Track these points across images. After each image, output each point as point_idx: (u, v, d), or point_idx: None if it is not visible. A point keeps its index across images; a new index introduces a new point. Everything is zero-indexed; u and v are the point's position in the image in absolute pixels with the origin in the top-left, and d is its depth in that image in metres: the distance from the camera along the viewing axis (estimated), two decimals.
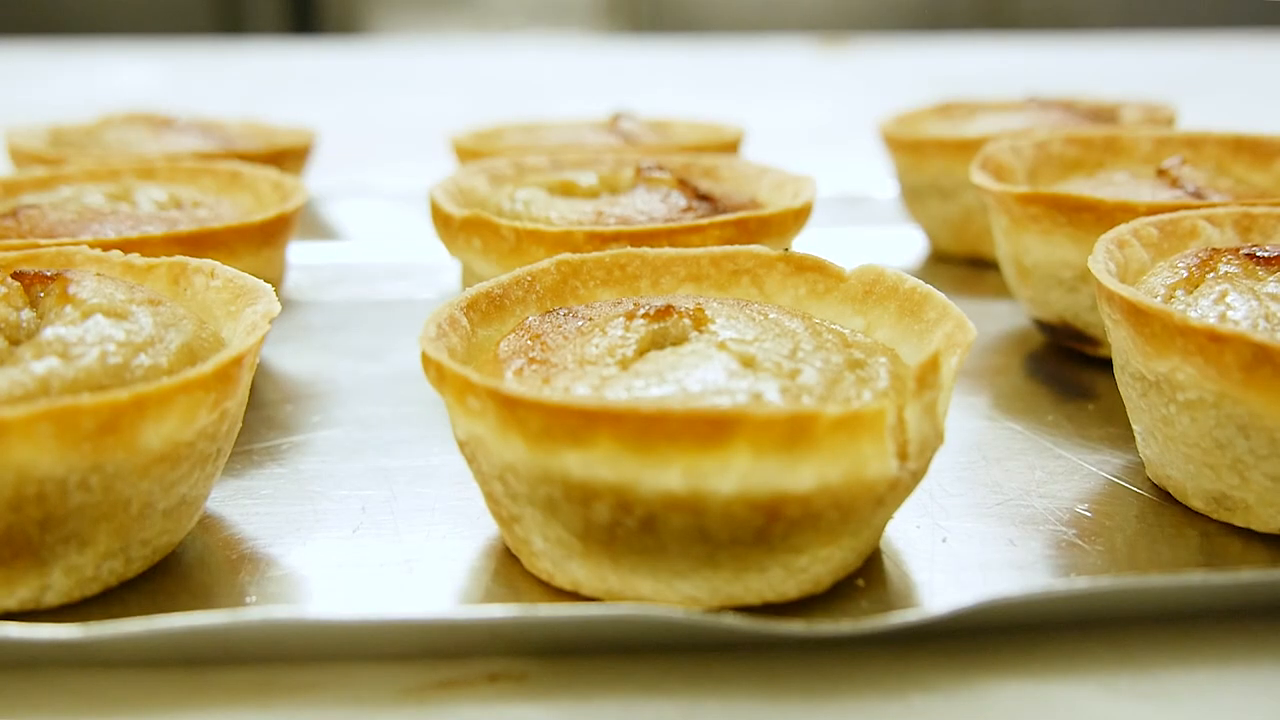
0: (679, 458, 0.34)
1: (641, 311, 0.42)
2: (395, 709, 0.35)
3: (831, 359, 0.40)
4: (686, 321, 0.42)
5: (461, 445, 0.40)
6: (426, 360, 0.39)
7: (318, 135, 0.92)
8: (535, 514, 0.37)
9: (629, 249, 0.48)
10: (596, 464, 0.35)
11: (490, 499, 0.40)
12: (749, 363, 0.39)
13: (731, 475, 0.34)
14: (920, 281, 0.45)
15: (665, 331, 0.41)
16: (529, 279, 0.46)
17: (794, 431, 0.34)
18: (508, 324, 0.44)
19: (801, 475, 0.35)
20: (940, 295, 0.44)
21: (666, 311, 0.42)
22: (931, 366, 0.38)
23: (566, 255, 0.47)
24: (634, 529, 0.36)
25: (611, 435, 0.34)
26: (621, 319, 0.42)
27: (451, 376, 0.38)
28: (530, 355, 0.40)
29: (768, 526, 0.36)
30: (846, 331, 0.43)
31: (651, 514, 0.35)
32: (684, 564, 0.36)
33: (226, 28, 2.94)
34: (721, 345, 0.40)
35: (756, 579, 0.37)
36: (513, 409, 0.35)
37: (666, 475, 0.34)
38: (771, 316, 0.43)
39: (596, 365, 0.40)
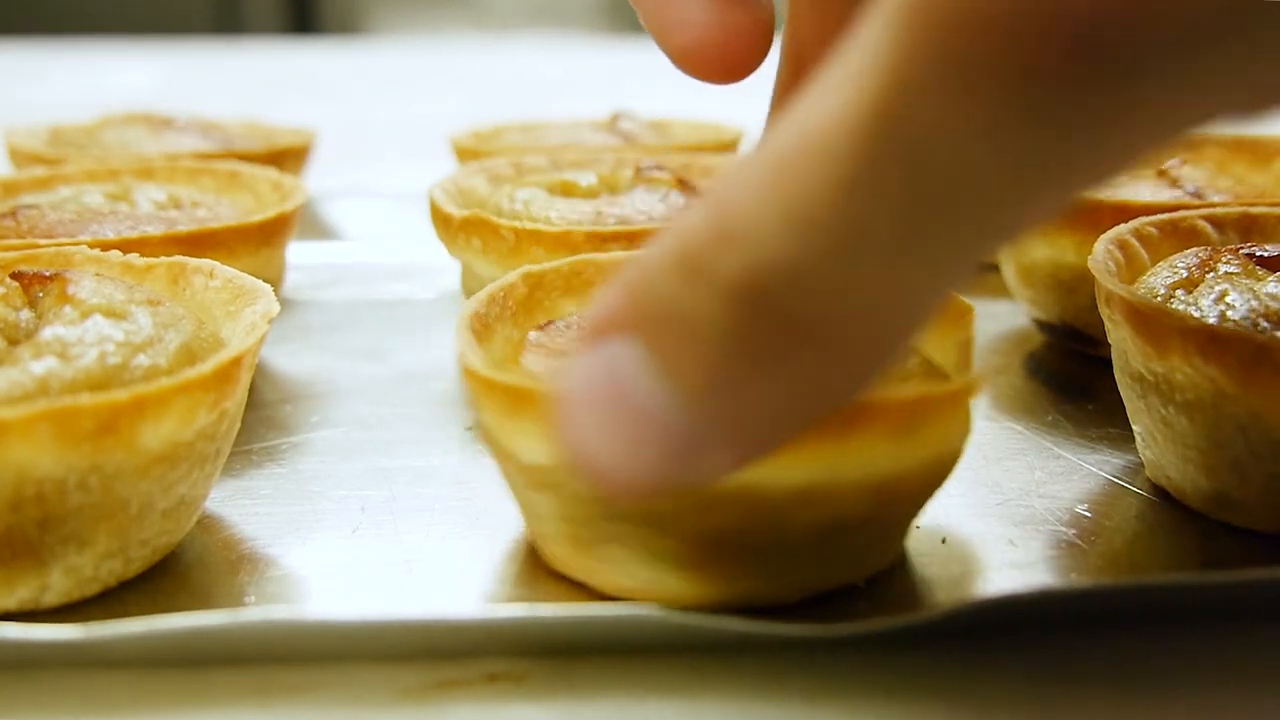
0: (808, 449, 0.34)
1: None
2: (394, 709, 0.35)
3: None
4: None
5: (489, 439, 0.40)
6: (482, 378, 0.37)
7: (317, 135, 0.92)
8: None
9: (583, 255, 0.47)
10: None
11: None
12: None
13: (862, 463, 0.35)
14: None
15: None
16: (502, 295, 0.45)
17: (916, 413, 0.35)
18: (495, 343, 0.43)
19: (915, 455, 0.36)
20: None
21: None
22: (966, 346, 0.39)
23: (530, 267, 0.46)
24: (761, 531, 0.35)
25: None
26: None
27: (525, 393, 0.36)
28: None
29: (875, 512, 0.36)
30: None
31: (780, 511, 0.35)
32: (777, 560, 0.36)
33: (226, 28, 2.94)
34: None
35: (821, 565, 0.37)
36: None
37: (795, 471, 0.34)
38: None
39: None
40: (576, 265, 0.47)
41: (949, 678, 0.36)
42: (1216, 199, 0.59)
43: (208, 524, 0.44)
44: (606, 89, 1.55)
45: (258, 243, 0.58)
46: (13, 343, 0.40)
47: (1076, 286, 0.58)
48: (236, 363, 0.39)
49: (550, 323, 0.43)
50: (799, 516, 0.35)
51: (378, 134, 1.35)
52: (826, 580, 0.38)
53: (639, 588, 0.38)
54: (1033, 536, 0.43)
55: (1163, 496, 0.46)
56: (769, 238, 0.25)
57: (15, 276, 0.43)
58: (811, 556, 0.37)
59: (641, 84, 1.75)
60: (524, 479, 0.38)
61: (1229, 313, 0.43)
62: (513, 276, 0.45)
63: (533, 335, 0.42)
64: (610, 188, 0.65)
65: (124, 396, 0.35)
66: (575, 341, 0.30)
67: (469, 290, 0.61)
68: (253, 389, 0.56)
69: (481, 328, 0.43)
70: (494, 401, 0.37)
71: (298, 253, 0.72)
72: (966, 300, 0.42)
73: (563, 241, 0.54)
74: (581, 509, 0.37)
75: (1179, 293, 0.45)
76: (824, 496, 0.35)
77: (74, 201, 0.62)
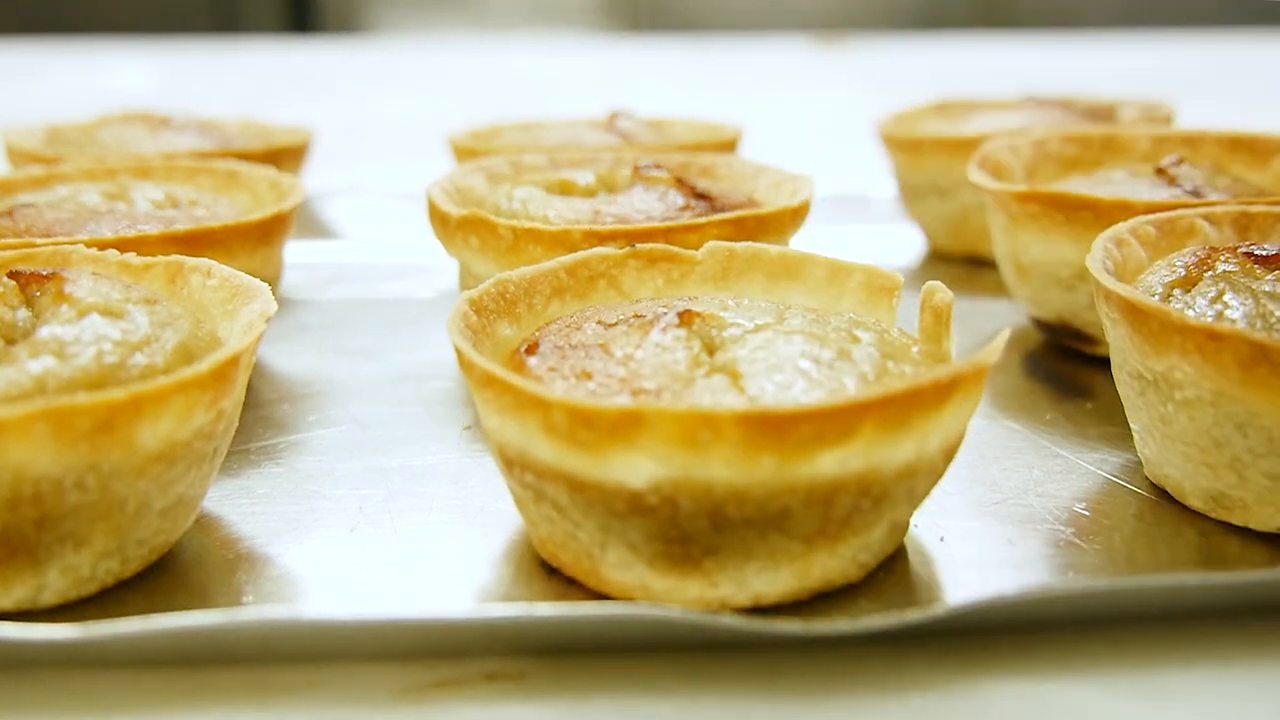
0: (915, 427, 0.36)
1: (665, 321, 0.41)
2: (392, 708, 0.35)
3: (853, 333, 0.41)
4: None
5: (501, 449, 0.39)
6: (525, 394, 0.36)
7: (315, 134, 0.92)
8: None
9: (499, 275, 0.46)
10: (850, 457, 0.35)
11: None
12: (823, 343, 0.40)
13: (943, 429, 0.37)
14: (785, 248, 0.49)
15: (706, 333, 0.41)
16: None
17: (979, 379, 0.37)
18: (484, 345, 0.43)
19: (964, 419, 0.38)
20: (822, 256, 0.47)
21: (688, 316, 0.41)
22: (946, 312, 0.42)
23: (467, 293, 0.45)
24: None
25: (873, 423, 0.35)
26: (657, 332, 0.41)
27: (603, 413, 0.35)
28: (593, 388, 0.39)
29: (881, 495, 0.38)
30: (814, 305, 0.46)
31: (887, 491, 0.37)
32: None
33: (224, 27, 2.94)
34: (787, 332, 0.41)
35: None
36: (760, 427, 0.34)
37: (902, 448, 0.36)
38: (745, 303, 0.44)
39: (688, 379, 0.39)
40: (499, 285, 0.46)
41: (947, 675, 0.36)
42: (1214, 197, 0.59)
43: (205, 523, 0.44)
44: (605, 88, 1.55)
45: (255, 242, 0.58)
46: (10, 342, 0.40)
47: (1074, 285, 0.58)
48: (234, 362, 0.39)
49: (536, 343, 0.43)
50: (895, 490, 0.37)
51: (376, 133, 1.35)
52: (842, 575, 0.39)
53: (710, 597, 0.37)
54: (1031, 535, 0.43)
55: (1161, 495, 0.46)
56: None
57: (12, 275, 0.43)
58: (868, 545, 0.38)
59: (640, 83, 1.75)
60: (612, 507, 0.36)
61: (1227, 311, 0.43)
62: (463, 301, 0.44)
63: (532, 361, 0.41)
64: (608, 186, 0.64)
65: (121, 395, 0.35)
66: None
67: (466, 289, 0.61)
68: (250, 388, 0.56)
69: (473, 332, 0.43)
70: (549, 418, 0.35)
71: (295, 252, 0.72)
72: (898, 274, 0.46)
73: (561, 240, 0.53)
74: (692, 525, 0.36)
75: (1177, 291, 0.45)
76: (916, 467, 0.37)
77: (71, 200, 0.62)
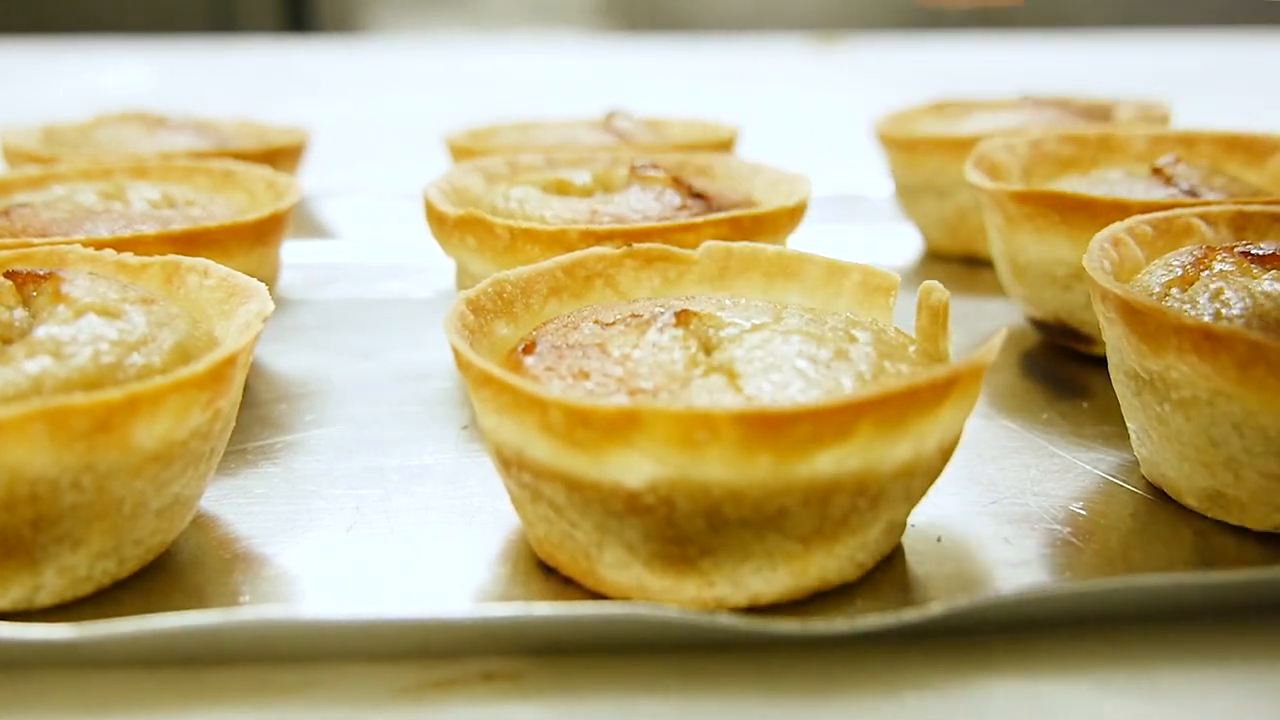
0: (912, 427, 0.36)
1: (662, 320, 0.41)
2: (390, 708, 0.35)
3: (850, 332, 0.42)
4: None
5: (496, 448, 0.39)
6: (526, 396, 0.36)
7: (311, 134, 0.92)
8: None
9: (496, 275, 0.46)
10: (847, 457, 0.35)
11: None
12: (820, 343, 0.40)
13: (941, 429, 0.37)
14: (782, 248, 0.49)
15: (702, 332, 0.41)
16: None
17: (976, 377, 0.37)
18: (481, 344, 0.43)
19: (961, 419, 0.38)
20: (819, 255, 0.47)
21: (685, 316, 0.41)
22: (943, 311, 0.42)
23: (465, 293, 0.45)
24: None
25: (870, 422, 0.35)
26: (654, 332, 0.41)
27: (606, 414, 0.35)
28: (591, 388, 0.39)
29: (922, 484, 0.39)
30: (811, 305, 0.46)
31: (883, 490, 0.37)
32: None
33: (220, 26, 2.94)
34: (787, 331, 0.41)
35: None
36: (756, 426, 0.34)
37: (900, 447, 0.36)
38: (742, 303, 0.44)
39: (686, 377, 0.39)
40: (497, 285, 0.46)
41: (944, 674, 0.36)
42: (1211, 197, 0.59)
43: (202, 523, 0.44)
44: (601, 88, 1.55)
45: (252, 241, 0.58)
46: (6, 342, 0.40)
47: (1071, 284, 0.58)
48: (231, 361, 0.39)
49: (533, 343, 0.43)
50: (892, 490, 0.37)
51: (373, 133, 1.35)
52: (839, 574, 0.39)
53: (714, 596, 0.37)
54: (1028, 534, 0.43)
55: (1158, 494, 0.46)
56: None
57: (9, 275, 0.43)
58: (863, 544, 0.39)
59: (636, 83, 1.75)
60: (612, 506, 0.36)
61: (1224, 310, 0.43)
62: (459, 304, 0.44)
63: (529, 361, 0.41)
64: (605, 186, 0.64)
65: (118, 395, 0.35)
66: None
67: (463, 289, 0.61)
68: (247, 388, 0.56)
69: (470, 332, 0.43)
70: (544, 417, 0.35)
71: (292, 251, 0.72)
72: (894, 274, 0.46)
73: (558, 240, 0.53)
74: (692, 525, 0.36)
75: (1174, 290, 0.45)
76: (914, 467, 0.37)
77: (68, 200, 0.62)
